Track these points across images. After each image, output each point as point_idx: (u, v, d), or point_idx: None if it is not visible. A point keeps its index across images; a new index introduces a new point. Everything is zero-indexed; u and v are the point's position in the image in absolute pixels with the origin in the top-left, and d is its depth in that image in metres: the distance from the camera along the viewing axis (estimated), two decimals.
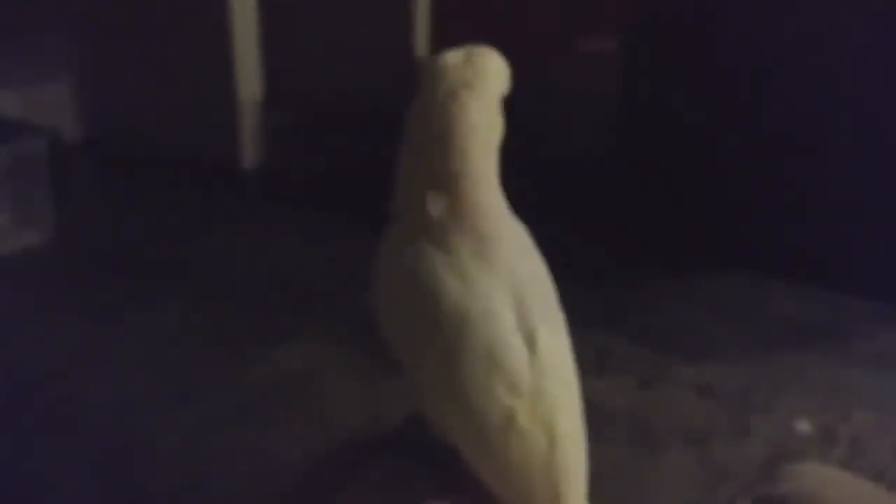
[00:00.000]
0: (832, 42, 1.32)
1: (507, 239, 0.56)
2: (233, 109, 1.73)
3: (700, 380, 1.12)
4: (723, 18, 1.40)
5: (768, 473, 0.60)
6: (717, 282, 1.38)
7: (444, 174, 0.55)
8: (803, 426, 1.02)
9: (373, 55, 2.04)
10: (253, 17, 1.71)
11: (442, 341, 0.52)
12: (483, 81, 0.57)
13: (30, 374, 1.12)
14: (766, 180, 1.42)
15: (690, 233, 1.48)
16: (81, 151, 1.83)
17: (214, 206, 1.66)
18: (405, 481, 0.57)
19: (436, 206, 0.55)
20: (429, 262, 0.54)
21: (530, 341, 0.53)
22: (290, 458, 0.95)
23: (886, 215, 1.33)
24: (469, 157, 0.55)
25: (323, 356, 1.16)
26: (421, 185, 0.55)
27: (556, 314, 0.57)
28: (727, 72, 1.42)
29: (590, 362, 1.14)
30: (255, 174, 1.78)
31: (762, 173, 1.42)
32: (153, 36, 1.79)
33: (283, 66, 1.95)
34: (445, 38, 2.05)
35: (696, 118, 1.46)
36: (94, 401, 1.06)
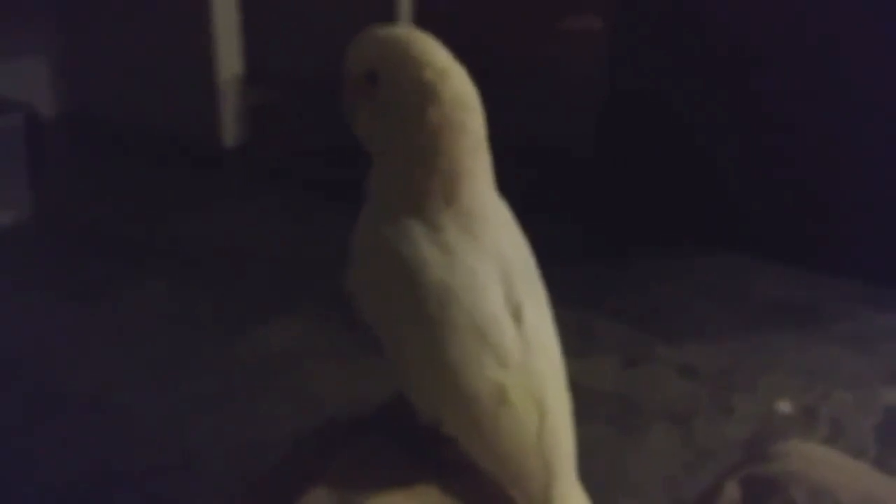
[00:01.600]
0: (821, 23, 1.32)
1: (493, 217, 0.55)
2: (213, 86, 1.71)
3: (683, 360, 1.12)
4: (712, 1, 1.40)
5: (753, 452, 0.60)
6: (700, 262, 1.38)
7: (432, 167, 0.54)
8: (785, 406, 1.03)
9: (355, 31, 2.02)
10: None
11: (426, 316, 0.51)
12: (476, 101, 0.55)
13: (9, 356, 1.11)
14: (750, 162, 1.43)
15: (675, 213, 1.48)
16: (58, 128, 1.80)
17: (195, 185, 1.64)
18: (386, 460, 0.57)
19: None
20: (412, 235, 0.52)
21: (517, 315, 0.53)
22: (274, 436, 0.94)
23: (869, 197, 1.34)
24: (461, 157, 0.54)
25: (307, 335, 1.16)
26: (405, 168, 0.54)
27: (539, 291, 0.57)
28: (714, 52, 1.42)
29: (574, 342, 1.14)
30: (235, 152, 1.76)
31: (747, 155, 1.43)
32: (132, 10, 1.76)
33: (263, 42, 1.92)
34: (428, 14, 2.02)
35: (682, 99, 1.46)
36: (76, 381, 1.06)
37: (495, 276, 0.53)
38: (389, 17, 1.97)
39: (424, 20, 2.01)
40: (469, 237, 0.53)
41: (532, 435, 0.52)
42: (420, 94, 0.53)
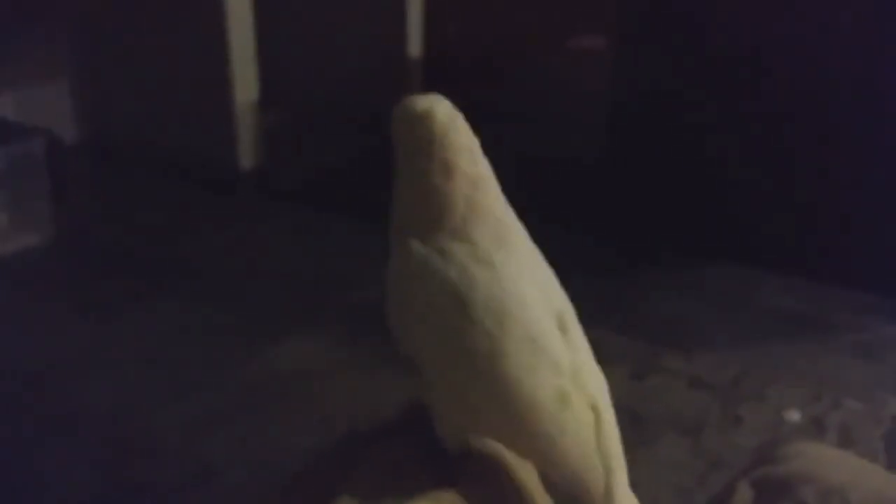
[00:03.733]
0: (824, 36, 1.33)
1: (516, 225, 0.57)
2: (229, 110, 1.74)
3: (692, 370, 1.13)
4: (715, 11, 1.42)
5: (763, 454, 0.61)
6: (708, 274, 1.39)
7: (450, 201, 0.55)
8: (794, 415, 1.04)
9: (367, 55, 2.06)
10: (249, 18, 1.72)
11: (484, 333, 0.51)
12: (474, 142, 0.57)
13: (30, 373, 1.13)
14: (757, 174, 1.44)
15: (681, 226, 1.49)
16: (79, 152, 1.84)
17: (211, 207, 1.67)
18: (408, 469, 0.58)
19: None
20: (451, 254, 0.53)
21: (562, 323, 0.55)
22: (290, 451, 0.96)
23: (876, 208, 1.35)
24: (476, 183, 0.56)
25: (320, 352, 1.18)
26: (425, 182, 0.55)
27: (564, 296, 0.59)
28: (717, 66, 1.43)
29: None
30: (251, 174, 1.79)
31: (753, 167, 1.44)
32: (150, 37, 1.80)
33: (279, 66, 1.96)
34: (438, 37, 2.06)
35: (687, 113, 1.47)
36: (94, 398, 1.07)
37: (536, 285, 0.54)
38: (401, 41, 2.01)
39: (435, 44, 2.05)
40: (502, 245, 0.54)
41: (591, 436, 0.53)
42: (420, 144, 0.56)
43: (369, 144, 1.95)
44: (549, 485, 0.56)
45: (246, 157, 1.79)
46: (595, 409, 0.54)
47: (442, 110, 0.57)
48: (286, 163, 1.85)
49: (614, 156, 1.58)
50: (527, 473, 0.57)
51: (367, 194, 1.74)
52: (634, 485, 0.93)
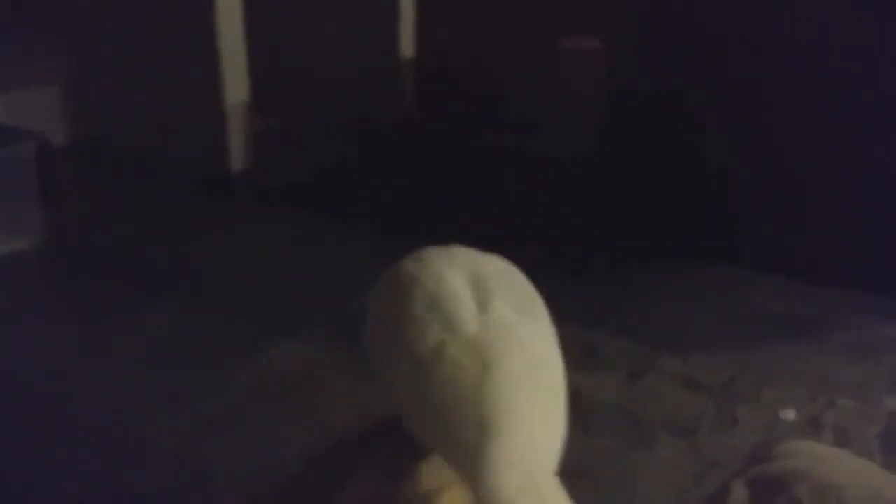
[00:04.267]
0: (822, 36, 1.34)
1: (474, 251, 0.62)
2: (220, 113, 1.73)
3: (687, 372, 1.13)
4: (713, 11, 1.42)
5: (758, 453, 0.61)
6: (702, 276, 1.40)
7: None
8: (789, 415, 1.04)
9: (360, 58, 2.05)
10: (239, 20, 1.71)
11: (394, 298, 0.58)
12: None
13: (22, 379, 1.12)
14: (750, 175, 1.44)
15: (675, 228, 1.49)
16: (69, 155, 1.83)
17: (203, 209, 1.66)
18: (396, 479, 0.58)
19: None
20: (402, 263, 0.62)
21: (482, 303, 0.56)
22: (286, 457, 0.95)
23: (870, 207, 1.36)
24: None
25: (314, 357, 1.17)
26: None
27: (534, 308, 0.59)
28: (715, 66, 1.44)
29: (578, 356, 1.15)
30: (242, 177, 1.78)
31: (747, 168, 1.44)
32: (140, 39, 1.79)
33: (270, 70, 1.96)
34: (431, 40, 2.06)
35: (683, 113, 1.48)
36: (87, 404, 1.07)
37: (462, 278, 0.58)
38: (393, 43, 2.01)
39: (427, 46, 2.04)
40: (447, 257, 0.60)
41: (469, 388, 0.51)
42: None
43: (361, 147, 1.94)
44: (426, 431, 0.54)
45: (237, 160, 1.78)
46: (485, 366, 0.52)
47: None
48: (277, 166, 1.84)
49: (609, 157, 1.59)
50: None
51: (360, 197, 1.74)
52: (630, 486, 0.93)
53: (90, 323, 1.25)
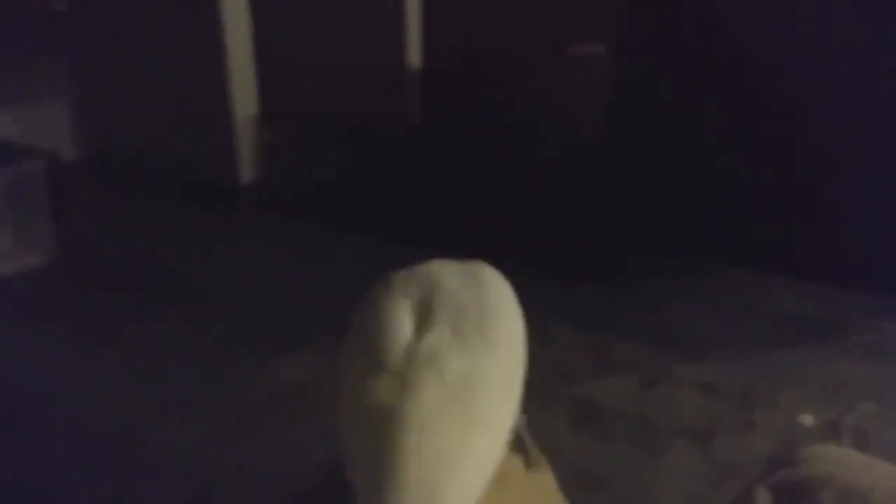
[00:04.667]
0: (825, 35, 1.33)
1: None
2: (229, 126, 1.74)
3: (702, 377, 1.12)
4: (715, 13, 1.41)
5: (780, 458, 0.60)
6: (716, 280, 1.38)
7: None
8: (807, 420, 1.03)
9: (366, 68, 2.06)
10: (247, 34, 1.72)
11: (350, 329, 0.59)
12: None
13: (35, 391, 1.12)
14: (762, 177, 1.43)
15: (688, 232, 1.48)
16: (80, 171, 1.84)
17: (212, 222, 1.67)
18: None
19: None
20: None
21: (421, 331, 0.55)
22: (294, 467, 0.95)
23: (883, 209, 1.34)
24: None
25: (322, 367, 1.17)
26: None
27: (488, 331, 0.56)
28: (717, 69, 1.43)
29: (592, 363, 1.15)
30: (251, 189, 1.79)
31: (758, 171, 1.43)
32: (149, 55, 1.80)
33: (278, 81, 1.96)
34: (437, 48, 2.06)
35: (692, 117, 1.47)
36: (99, 415, 1.07)
37: (408, 303, 0.57)
38: (399, 53, 2.01)
39: (434, 55, 2.05)
40: (403, 280, 0.60)
41: (377, 425, 0.51)
42: None
43: (367, 156, 1.95)
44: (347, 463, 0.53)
45: (246, 171, 1.79)
46: (399, 402, 0.51)
47: None
48: (286, 176, 1.85)
49: (617, 162, 1.58)
50: None
51: (366, 206, 1.74)
52: (646, 492, 0.92)
53: (101, 335, 1.25)
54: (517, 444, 0.63)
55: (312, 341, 1.22)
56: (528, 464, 0.62)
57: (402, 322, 0.55)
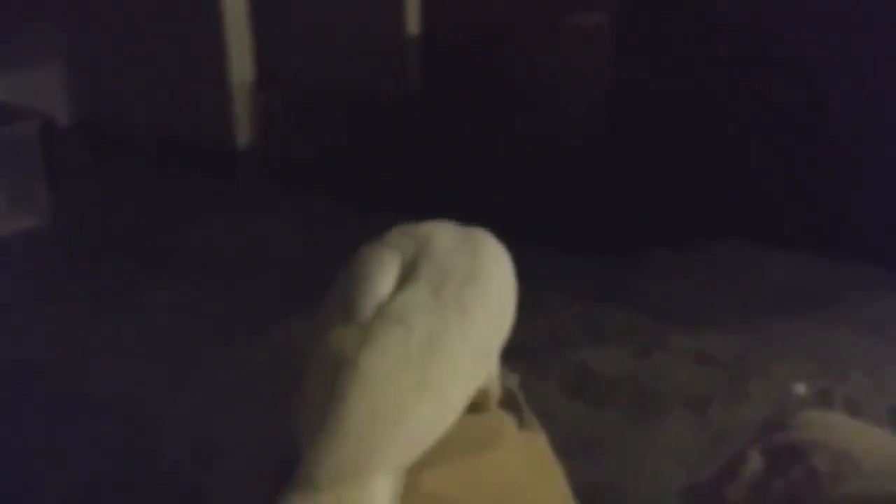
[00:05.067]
0: (826, 6, 1.32)
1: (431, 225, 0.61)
2: (225, 90, 1.72)
3: (698, 347, 1.13)
4: None
5: (773, 423, 0.61)
6: (712, 250, 1.39)
7: None
8: (800, 389, 1.03)
9: (365, 34, 2.04)
10: None
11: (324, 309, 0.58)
12: None
13: (32, 357, 1.12)
14: (759, 148, 1.43)
15: (685, 202, 1.48)
16: (74, 134, 1.83)
17: (209, 187, 1.66)
18: None
19: None
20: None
21: (400, 288, 0.55)
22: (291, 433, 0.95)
23: (880, 180, 1.34)
24: None
25: None
26: None
27: (467, 297, 0.55)
28: (719, 40, 1.42)
29: (587, 332, 1.16)
30: (248, 155, 1.78)
31: (757, 140, 1.43)
32: (144, 17, 1.78)
33: (275, 46, 1.94)
34: (437, 16, 2.04)
35: (691, 87, 1.46)
36: (97, 383, 1.07)
37: (395, 259, 0.56)
38: (399, 20, 1.99)
39: (433, 23, 2.02)
40: (400, 234, 0.60)
41: (329, 376, 0.50)
42: None
43: (367, 125, 1.93)
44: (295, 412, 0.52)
45: (242, 137, 1.78)
46: (354, 355, 0.50)
47: None
48: (283, 143, 1.84)
49: (617, 132, 1.57)
50: None
51: (365, 174, 1.73)
52: (640, 460, 0.93)
53: (98, 302, 1.25)
54: (511, 404, 0.63)
55: (310, 308, 1.22)
56: (522, 423, 0.63)
57: (384, 277, 0.55)
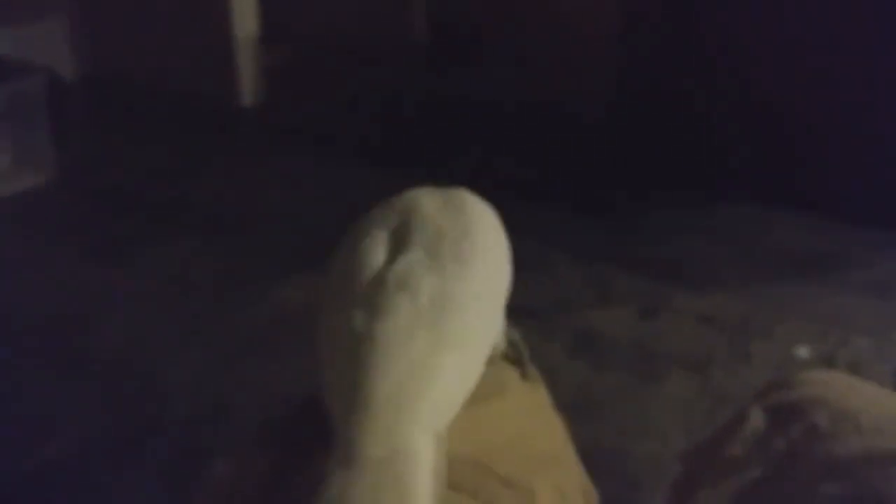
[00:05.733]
0: None
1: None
2: (230, 46, 1.71)
3: (701, 309, 1.13)
4: None
5: (775, 381, 0.61)
6: (717, 213, 1.38)
7: None
8: (803, 352, 1.04)
9: None
10: None
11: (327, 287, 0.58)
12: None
13: (38, 314, 1.13)
14: (764, 113, 1.41)
15: (691, 166, 1.47)
16: (79, 90, 1.81)
17: (214, 143, 1.65)
18: None
19: None
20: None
21: (395, 254, 0.55)
22: (296, 388, 0.96)
23: (883, 144, 1.33)
24: None
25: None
26: None
27: (464, 253, 0.56)
28: (729, 7, 1.40)
29: (592, 293, 1.16)
30: (253, 111, 1.77)
31: (761, 106, 1.41)
32: None
33: (280, 2, 1.91)
34: None
35: (698, 53, 1.44)
36: (103, 338, 1.08)
37: (384, 229, 0.57)
38: None
39: None
40: (387, 205, 0.59)
41: (346, 348, 0.51)
42: None
43: (371, 81, 1.91)
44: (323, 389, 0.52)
45: (247, 93, 1.76)
46: (368, 323, 0.51)
47: None
48: (288, 100, 1.82)
49: (624, 93, 1.55)
50: None
51: (368, 132, 1.72)
52: (643, 419, 0.94)
53: (103, 258, 1.26)
54: (514, 357, 0.64)
55: (314, 264, 1.22)
56: (524, 375, 0.63)
57: (375, 252, 0.56)
